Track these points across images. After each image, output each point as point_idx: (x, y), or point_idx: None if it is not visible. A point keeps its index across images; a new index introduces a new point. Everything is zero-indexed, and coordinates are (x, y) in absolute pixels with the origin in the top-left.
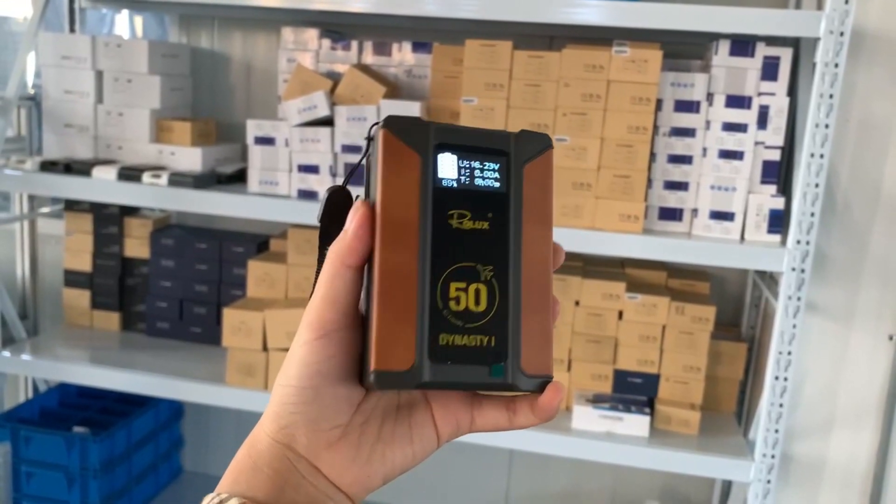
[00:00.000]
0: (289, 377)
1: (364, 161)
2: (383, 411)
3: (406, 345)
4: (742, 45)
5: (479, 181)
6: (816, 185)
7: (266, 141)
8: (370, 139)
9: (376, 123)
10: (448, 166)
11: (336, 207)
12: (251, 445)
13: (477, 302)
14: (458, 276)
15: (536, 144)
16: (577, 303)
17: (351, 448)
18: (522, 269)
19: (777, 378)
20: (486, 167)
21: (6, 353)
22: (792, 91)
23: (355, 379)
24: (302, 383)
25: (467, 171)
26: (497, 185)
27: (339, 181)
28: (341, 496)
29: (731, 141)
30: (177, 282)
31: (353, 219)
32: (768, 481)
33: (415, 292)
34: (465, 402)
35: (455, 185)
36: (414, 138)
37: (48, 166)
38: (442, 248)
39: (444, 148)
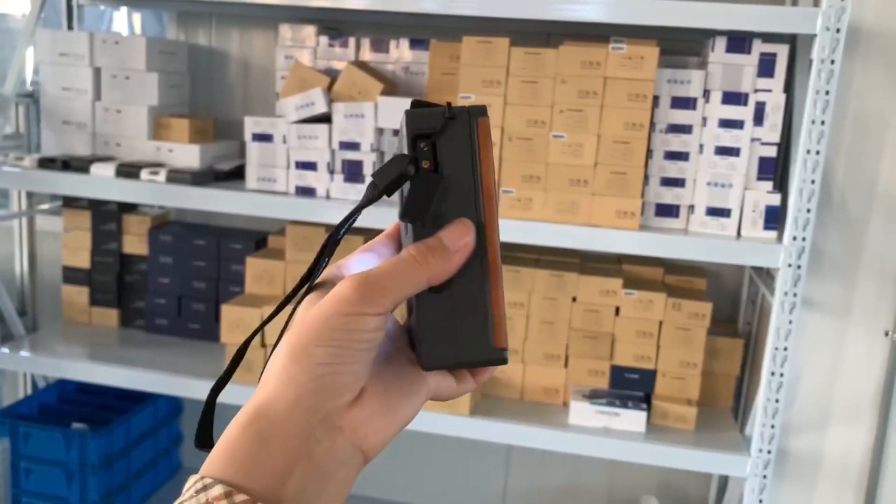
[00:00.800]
0: (329, 339)
1: (436, 138)
2: (376, 369)
3: (504, 323)
4: (738, 41)
5: None
6: (812, 182)
7: (264, 138)
8: (452, 117)
9: (448, 105)
10: None
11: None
12: (256, 418)
13: None
14: None
15: None
16: (574, 299)
17: (369, 399)
18: None
19: (773, 374)
20: None
21: (5, 350)
22: (788, 88)
23: (378, 346)
24: (349, 345)
25: None
26: None
27: (337, 178)
28: (358, 455)
29: (728, 137)
30: (175, 278)
31: (461, 247)
32: (764, 476)
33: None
34: None
35: None
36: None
37: (46, 163)
38: None
39: None
